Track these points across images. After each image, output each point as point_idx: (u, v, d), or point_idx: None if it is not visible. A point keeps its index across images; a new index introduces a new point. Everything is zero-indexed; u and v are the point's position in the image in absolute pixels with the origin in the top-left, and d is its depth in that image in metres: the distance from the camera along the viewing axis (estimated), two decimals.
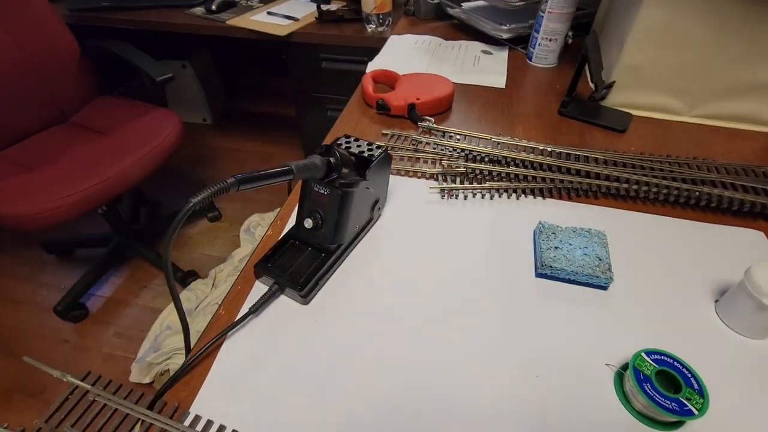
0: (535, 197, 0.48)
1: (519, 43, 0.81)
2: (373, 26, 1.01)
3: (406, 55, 0.79)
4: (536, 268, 0.39)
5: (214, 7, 1.13)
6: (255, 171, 0.29)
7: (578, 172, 0.48)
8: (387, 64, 0.76)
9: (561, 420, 0.29)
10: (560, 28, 0.72)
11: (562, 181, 0.48)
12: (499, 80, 0.72)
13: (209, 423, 0.29)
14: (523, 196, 0.48)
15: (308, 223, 0.38)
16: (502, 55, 0.80)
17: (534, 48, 0.76)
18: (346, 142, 0.42)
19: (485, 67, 0.76)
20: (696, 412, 0.27)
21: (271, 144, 1.77)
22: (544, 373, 0.32)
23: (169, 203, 1.50)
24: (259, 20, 1.08)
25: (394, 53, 0.81)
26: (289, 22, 1.07)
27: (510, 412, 0.30)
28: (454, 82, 0.69)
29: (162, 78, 1.03)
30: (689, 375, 0.29)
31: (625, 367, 0.31)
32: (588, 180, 0.47)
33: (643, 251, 0.42)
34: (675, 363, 0.30)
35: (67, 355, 1.08)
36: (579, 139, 0.58)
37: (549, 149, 0.51)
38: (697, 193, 0.45)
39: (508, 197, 0.48)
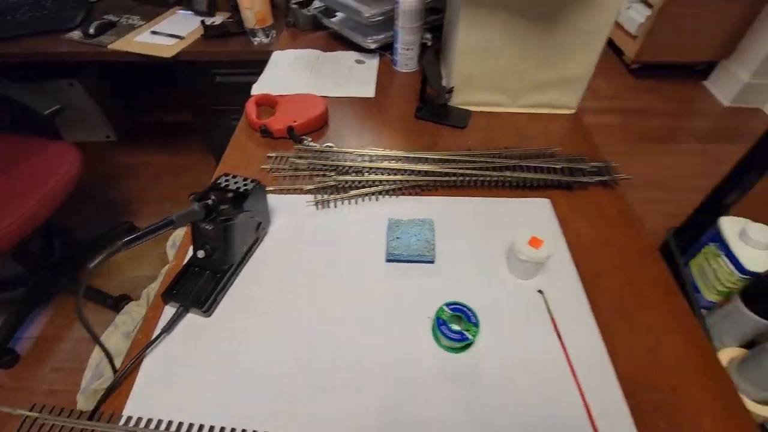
0: (390, 197, 0.61)
1: (388, 50, 0.93)
2: (259, 39, 1.07)
3: (287, 74, 0.88)
4: (386, 255, 0.53)
5: (92, 31, 1.10)
6: (140, 230, 0.38)
7: (420, 172, 0.62)
8: (270, 83, 0.84)
9: (399, 358, 0.43)
10: (414, 39, 0.84)
11: (408, 181, 0.61)
12: (368, 90, 0.83)
13: (139, 419, 0.39)
14: (381, 197, 0.61)
15: (201, 254, 0.48)
16: (373, 63, 0.91)
17: (396, 56, 0.88)
18: (225, 181, 0.51)
19: (358, 78, 0.87)
20: (471, 337, 0.42)
21: (181, 155, 1.77)
22: (391, 329, 0.46)
23: (83, 228, 1.48)
24: (144, 41, 1.09)
25: (276, 71, 0.89)
26: (174, 41, 1.09)
27: (370, 364, 0.43)
28: (330, 97, 0.80)
29: (49, 112, 1.01)
30: (471, 315, 0.44)
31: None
32: (428, 177, 0.61)
33: (462, 228, 0.56)
34: (464, 308, 0.44)
35: (6, 399, 1.08)
36: (431, 139, 0.72)
37: (401, 155, 0.64)
38: (503, 177, 0.61)
39: (370, 200, 0.60)
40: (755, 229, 0.78)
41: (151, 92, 1.98)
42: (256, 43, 1.08)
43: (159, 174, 1.69)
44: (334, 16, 0.99)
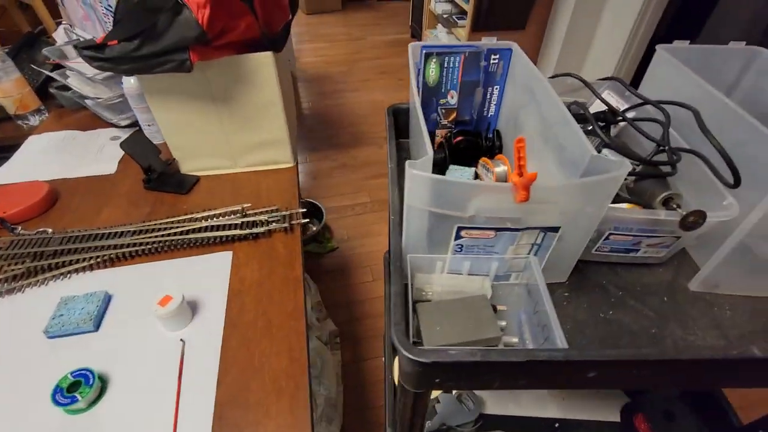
0: (82, 273, 0.67)
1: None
2: (28, 123, 1.10)
3: (34, 159, 0.92)
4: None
5: None
6: None
7: (110, 246, 0.69)
8: (11, 171, 0.87)
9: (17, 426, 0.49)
10: (149, 116, 0.93)
11: (99, 256, 0.68)
12: (110, 167, 0.90)
13: None
14: (75, 275, 0.67)
15: None
16: None
17: (145, 131, 0.96)
18: None
19: (108, 154, 0.93)
20: (80, 399, 0.49)
21: None
22: (31, 398, 0.51)
23: None
24: None
25: (24, 156, 0.93)
26: None
27: None
28: (67, 178, 0.85)
29: None
30: (90, 378, 0.51)
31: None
32: (118, 250, 0.69)
33: (141, 293, 0.64)
34: (85, 373, 0.51)
35: None
36: (151, 208, 0.80)
37: (89, 233, 0.71)
38: (189, 239, 0.70)
39: (61, 279, 0.66)
40: None
41: None
42: (25, 127, 1.10)
43: None
44: (90, 98, 1.05)
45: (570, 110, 0.49)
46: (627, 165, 0.41)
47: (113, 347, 0.57)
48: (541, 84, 0.53)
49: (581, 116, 0.55)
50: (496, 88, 0.61)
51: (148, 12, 0.60)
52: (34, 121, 1.10)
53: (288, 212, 0.77)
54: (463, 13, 2.59)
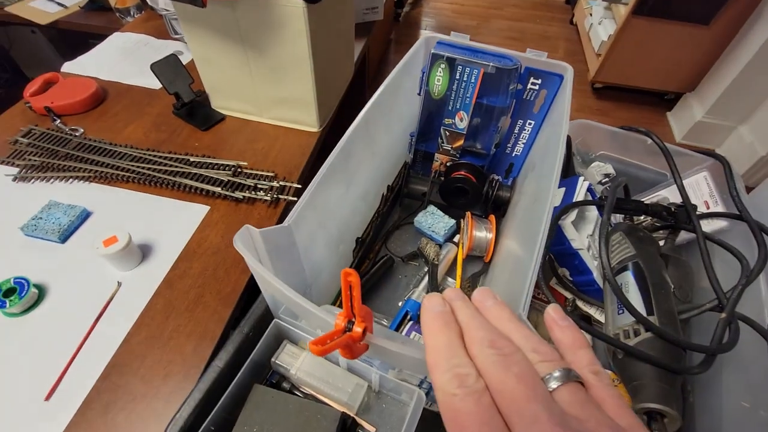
0: (85, 183, 0.71)
1: None
2: (124, 18, 1.17)
3: (105, 58, 0.97)
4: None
5: None
6: None
7: (111, 165, 0.71)
8: (81, 65, 0.94)
9: None
10: None
11: (98, 171, 0.70)
12: (157, 82, 0.91)
13: None
14: (77, 182, 0.71)
15: None
16: (190, 56, 0.99)
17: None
18: None
19: None
20: (8, 305, 0.52)
21: None
22: None
23: None
24: (35, 7, 1.22)
25: (99, 52, 0.99)
26: (57, 9, 1.21)
27: None
28: (123, 83, 0.90)
29: None
30: (24, 288, 0.54)
31: None
32: (113, 170, 0.70)
33: (116, 220, 0.66)
34: (23, 281, 0.54)
35: None
36: (168, 135, 0.80)
37: (101, 146, 0.73)
38: (174, 182, 0.69)
39: (68, 182, 0.70)
40: None
41: None
42: (123, 21, 1.18)
43: None
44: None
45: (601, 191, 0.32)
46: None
47: (65, 264, 0.60)
48: (557, 131, 0.36)
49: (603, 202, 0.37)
50: (530, 124, 0.43)
51: None
52: (129, 18, 1.17)
53: (281, 183, 0.70)
54: None
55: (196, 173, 0.70)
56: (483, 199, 0.46)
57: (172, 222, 0.66)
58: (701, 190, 0.47)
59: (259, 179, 0.71)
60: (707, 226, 0.46)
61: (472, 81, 0.41)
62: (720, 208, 0.47)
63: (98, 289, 0.58)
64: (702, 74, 1.95)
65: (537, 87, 0.41)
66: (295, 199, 0.70)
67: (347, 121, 0.42)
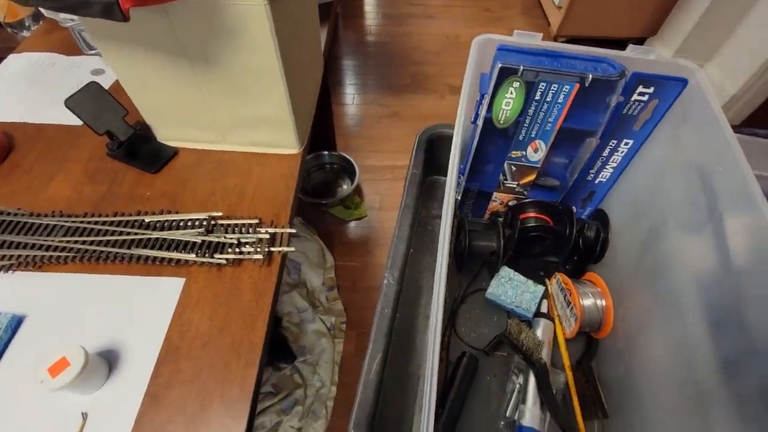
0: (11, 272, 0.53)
1: None
2: (21, 33, 0.93)
3: (0, 90, 0.76)
4: None
5: None
6: None
7: (37, 246, 0.53)
8: None
9: None
10: None
11: (20, 255, 0.53)
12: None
13: None
14: None
15: None
16: (112, 76, 0.79)
17: None
18: None
19: None
20: None
21: None
22: None
23: None
24: None
25: None
26: None
27: None
28: (28, 123, 0.69)
29: None
30: None
31: None
32: (44, 252, 0.53)
33: (61, 320, 0.49)
34: None
35: None
36: (107, 187, 0.62)
37: (23, 220, 0.55)
38: (132, 255, 0.53)
39: None
40: None
41: None
42: (18, 37, 0.93)
43: None
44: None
45: None
46: None
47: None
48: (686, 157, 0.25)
49: None
50: (626, 144, 0.32)
51: None
52: (24, 31, 0.93)
53: (270, 230, 0.56)
54: None
55: (157, 237, 0.54)
56: (569, 245, 0.35)
57: (139, 309, 0.50)
58: None
59: (241, 231, 0.56)
60: None
61: (560, 101, 0.28)
62: None
63: (54, 430, 0.42)
64: (662, 17, 1.91)
65: (646, 98, 0.29)
66: (292, 249, 0.56)
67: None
